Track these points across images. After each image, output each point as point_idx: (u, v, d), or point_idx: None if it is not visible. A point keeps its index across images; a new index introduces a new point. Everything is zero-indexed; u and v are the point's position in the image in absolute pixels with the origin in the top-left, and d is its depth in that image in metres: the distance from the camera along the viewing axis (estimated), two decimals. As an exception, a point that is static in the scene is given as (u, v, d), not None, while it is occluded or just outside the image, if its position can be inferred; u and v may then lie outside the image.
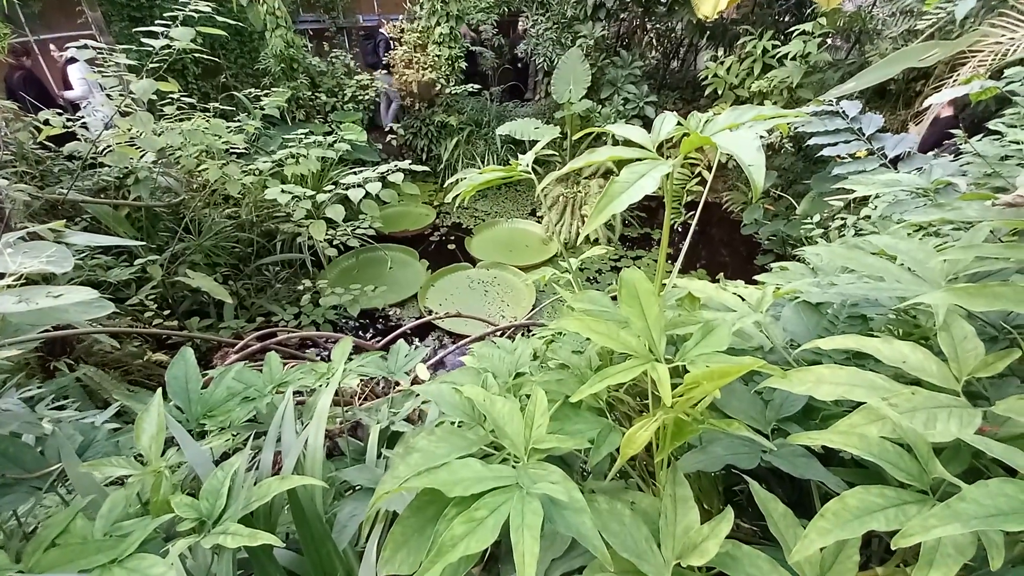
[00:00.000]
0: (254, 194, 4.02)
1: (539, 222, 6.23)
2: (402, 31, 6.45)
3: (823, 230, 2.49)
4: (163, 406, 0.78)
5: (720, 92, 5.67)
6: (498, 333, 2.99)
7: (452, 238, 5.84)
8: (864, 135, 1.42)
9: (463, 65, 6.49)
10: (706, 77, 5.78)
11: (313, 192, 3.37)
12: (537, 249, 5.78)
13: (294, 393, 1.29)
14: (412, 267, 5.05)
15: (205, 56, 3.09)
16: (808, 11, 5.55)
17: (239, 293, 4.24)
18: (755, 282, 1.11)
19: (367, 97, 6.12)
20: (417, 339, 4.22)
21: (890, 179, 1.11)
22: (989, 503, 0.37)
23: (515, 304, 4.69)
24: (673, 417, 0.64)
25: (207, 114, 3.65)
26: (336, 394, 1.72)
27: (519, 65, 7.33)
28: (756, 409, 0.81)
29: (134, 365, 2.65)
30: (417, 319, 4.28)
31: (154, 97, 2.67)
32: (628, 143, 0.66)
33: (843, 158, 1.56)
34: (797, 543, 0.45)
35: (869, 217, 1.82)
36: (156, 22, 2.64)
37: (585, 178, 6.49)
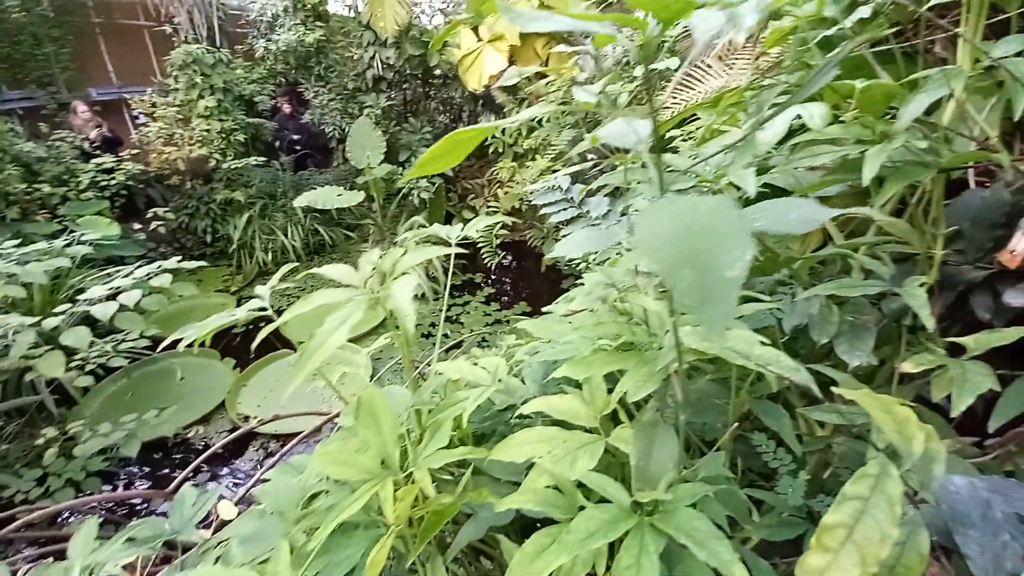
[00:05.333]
0: (-64, 333, 2.92)
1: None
2: (154, 105, 5.67)
3: (586, 263, 3.10)
4: None
5: (501, 150, 6.55)
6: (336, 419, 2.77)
7: (262, 325, 5.19)
8: (575, 202, 1.86)
9: (241, 138, 6.03)
10: (487, 139, 6.62)
11: (37, 318, 2.64)
12: (363, 317, 5.58)
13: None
14: (213, 370, 4.30)
15: None
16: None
17: (-71, 475, 2.97)
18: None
19: (114, 182, 5.12)
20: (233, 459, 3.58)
21: (585, 237, 1.46)
22: (584, 528, 0.54)
23: (350, 381, 4.40)
24: (432, 508, 0.73)
25: None
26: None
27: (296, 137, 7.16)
28: (514, 466, 0.97)
29: None
30: (229, 432, 3.65)
31: None
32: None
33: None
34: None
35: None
36: None
37: (403, 235, 6.62)
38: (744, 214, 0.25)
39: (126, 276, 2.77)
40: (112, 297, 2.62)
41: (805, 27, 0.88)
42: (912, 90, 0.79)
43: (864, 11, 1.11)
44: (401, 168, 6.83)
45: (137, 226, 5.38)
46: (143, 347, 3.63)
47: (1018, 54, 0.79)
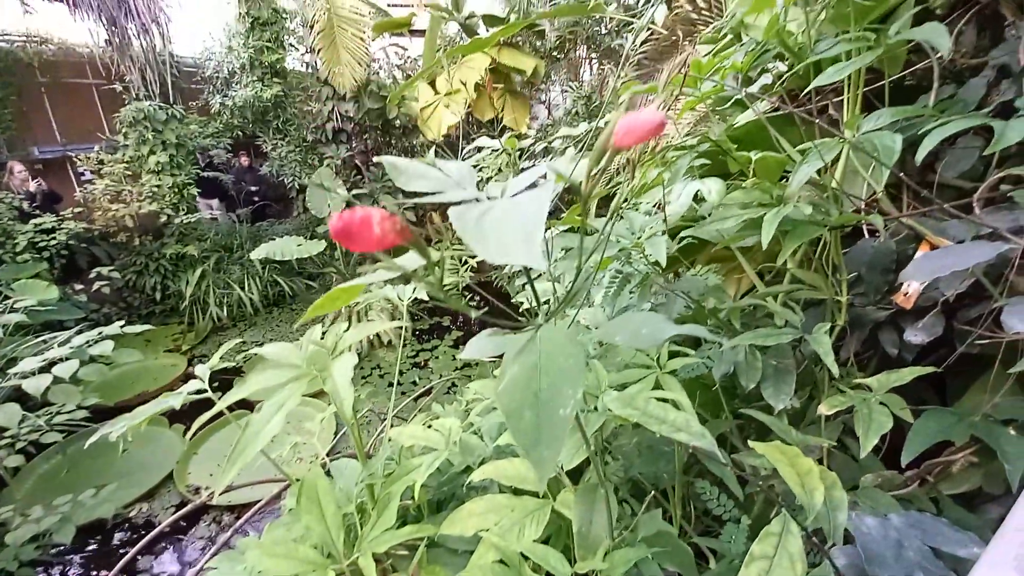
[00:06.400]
0: None
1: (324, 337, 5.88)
2: (101, 163, 5.52)
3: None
4: None
5: (462, 193, 6.72)
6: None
7: (216, 385, 4.93)
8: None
9: (195, 191, 5.93)
10: (448, 182, 6.77)
11: (-43, 398, 2.41)
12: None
13: None
14: (160, 439, 3.99)
15: None
16: (499, 129, 7.23)
17: None
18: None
19: (54, 242, 4.88)
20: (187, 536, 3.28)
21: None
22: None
23: (310, 443, 4.19)
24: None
25: None
26: None
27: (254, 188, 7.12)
28: (469, 538, 0.96)
29: None
30: (177, 508, 3.37)
31: None
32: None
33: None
34: None
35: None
36: None
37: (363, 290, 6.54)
38: (582, 351, 0.29)
39: (62, 344, 2.59)
40: (46, 369, 2.43)
41: (710, 103, 0.99)
42: (802, 156, 0.90)
43: (767, 78, 1.25)
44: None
45: (79, 287, 5.09)
46: (81, 418, 3.35)
47: (892, 124, 0.91)
